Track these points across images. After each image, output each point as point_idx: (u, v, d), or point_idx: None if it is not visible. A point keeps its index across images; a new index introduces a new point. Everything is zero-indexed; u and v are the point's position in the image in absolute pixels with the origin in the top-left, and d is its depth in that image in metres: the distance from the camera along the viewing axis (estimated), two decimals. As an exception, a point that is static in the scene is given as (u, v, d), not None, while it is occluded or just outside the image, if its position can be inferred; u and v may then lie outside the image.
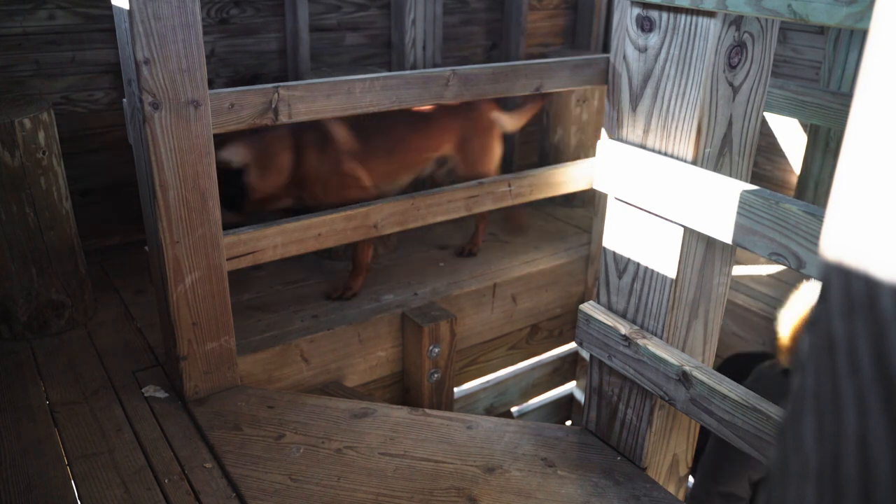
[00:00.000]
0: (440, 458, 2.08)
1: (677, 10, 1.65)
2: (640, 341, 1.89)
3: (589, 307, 2.06)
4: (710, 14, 1.58)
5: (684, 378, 1.78)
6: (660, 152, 1.78)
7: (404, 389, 3.12)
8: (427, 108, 3.07)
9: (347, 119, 2.88)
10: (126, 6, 1.88)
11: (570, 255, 3.65)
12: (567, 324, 3.77)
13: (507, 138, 4.74)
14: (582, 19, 4.77)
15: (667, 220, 1.77)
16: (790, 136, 4.20)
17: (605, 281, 2.03)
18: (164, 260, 2.13)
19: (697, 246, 1.80)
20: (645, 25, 1.74)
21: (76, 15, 3.24)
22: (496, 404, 3.89)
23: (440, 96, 2.68)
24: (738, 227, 1.58)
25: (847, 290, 0.37)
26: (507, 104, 3.94)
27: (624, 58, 1.83)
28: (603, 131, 3.17)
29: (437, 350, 2.92)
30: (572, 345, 3.96)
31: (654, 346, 1.86)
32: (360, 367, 2.95)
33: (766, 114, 3.85)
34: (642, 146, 1.83)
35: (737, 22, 1.61)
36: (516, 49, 4.50)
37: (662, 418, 2.02)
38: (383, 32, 4.15)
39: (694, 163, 1.71)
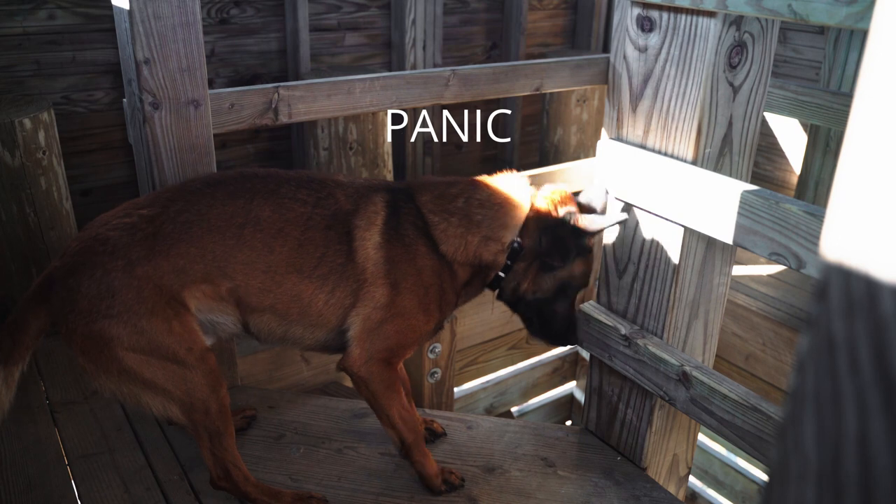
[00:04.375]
0: (440, 458, 2.08)
1: (677, 10, 1.65)
2: (640, 341, 1.88)
3: (589, 307, 2.06)
4: (711, 14, 1.58)
5: (684, 378, 1.78)
6: (660, 152, 1.78)
7: (404, 389, 3.11)
8: None
9: None
10: (126, 6, 1.88)
11: (570, 255, 3.65)
12: (567, 324, 3.77)
13: (507, 137, 4.75)
14: (582, 19, 4.78)
15: (667, 220, 1.77)
16: (790, 136, 4.20)
17: (605, 281, 2.03)
18: (164, 260, 2.13)
19: (697, 246, 1.80)
20: (645, 25, 1.74)
21: (76, 15, 3.24)
22: (496, 404, 3.89)
23: (440, 96, 2.68)
24: (739, 227, 1.58)
25: (847, 290, 0.37)
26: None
27: (624, 58, 1.83)
28: (603, 131, 3.17)
29: (437, 350, 2.92)
30: (572, 345, 3.95)
31: (654, 346, 1.86)
32: (360, 367, 2.95)
33: (766, 114, 3.85)
34: (642, 146, 1.83)
35: (737, 22, 1.61)
36: (516, 49, 4.50)
37: (662, 418, 2.02)
38: (383, 32, 4.15)
39: (694, 163, 1.71)
